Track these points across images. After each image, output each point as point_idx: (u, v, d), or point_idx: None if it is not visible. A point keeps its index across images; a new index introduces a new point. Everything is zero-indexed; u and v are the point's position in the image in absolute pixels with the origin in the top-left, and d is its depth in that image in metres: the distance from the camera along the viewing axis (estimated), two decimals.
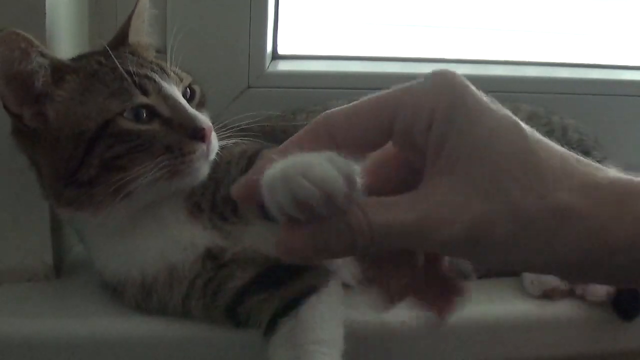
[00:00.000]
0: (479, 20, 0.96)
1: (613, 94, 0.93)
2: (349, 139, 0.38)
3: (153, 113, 0.58)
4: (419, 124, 0.36)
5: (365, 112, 0.38)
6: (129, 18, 0.66)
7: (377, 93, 0.38)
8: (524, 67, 0.96)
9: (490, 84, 0.96)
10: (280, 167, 0.35)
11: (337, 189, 0.33)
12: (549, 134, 0.82)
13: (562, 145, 0.83)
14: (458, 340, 0.66)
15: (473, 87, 0.37)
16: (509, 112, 0.37)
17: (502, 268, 0.36)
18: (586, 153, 0.79)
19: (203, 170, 0.59)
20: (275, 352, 0.57)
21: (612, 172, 0.37)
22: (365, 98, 0.38)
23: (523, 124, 0.37)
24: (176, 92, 0.60)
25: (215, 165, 0.62)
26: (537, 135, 0.37)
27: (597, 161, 0.84)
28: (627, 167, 0.84)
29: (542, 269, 0.37)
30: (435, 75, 0.37)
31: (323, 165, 0.34)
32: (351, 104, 0.39)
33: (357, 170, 0.34)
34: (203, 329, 0.62)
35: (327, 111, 0.39)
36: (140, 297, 0.62)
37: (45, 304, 0.65)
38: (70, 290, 0.68)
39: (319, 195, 0.33)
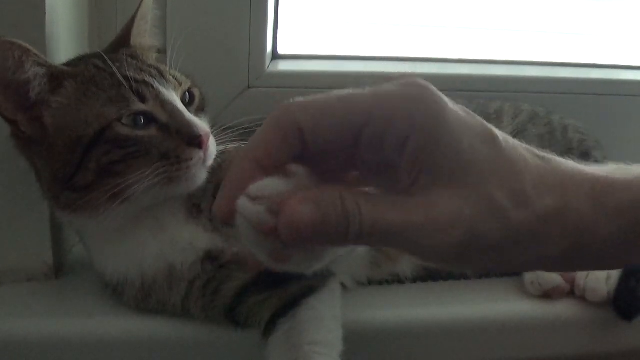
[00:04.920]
0: (479, 20, 0.96)
1: (613, 94, 0.93)
2: (317, 140, 0.37)
3: (151, 119, 0.58)
4: (393, 134, 0.36)
5: (333, 115, 0.37)
6: (132, 19, 0.66)
7: (346, 92, 0.37)
8: (524, 67, 0.96)
9: (490, 84, 0.96)
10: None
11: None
12: (549, 134, 0.83)
13: (562, 146, 0.84)
14: (458, 340, 0.66)
15: (445, 98, 0.37)
16: (482, 120, 0.38)
17: (486, 271, 0.38)
18: (586, 153, 0.80)
19: (200, 176, 0.59)
20: (273, 353, 0.57)
21: (582, 167, 0.39)
22: (333, 96, 0.37)
23: (495, 131, 0.38)
24: (174, 98, 0.60)
25: (216, 168, 0.62)
26: (510, 140, 0.38)
27: (597, 161, 0.84)
28: None
29: (526, 267, 0.38)
30: (409, 85, 0.37)
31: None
32: (318, 101, 0.37)
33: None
34: (202, 329, 0.62)
35: (293, 104, 0.37)
36: (140, 298, 0.62)
37: (45, 304, 0.65)
38: (70, 290, 0.68)
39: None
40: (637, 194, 0.37)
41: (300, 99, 0.38)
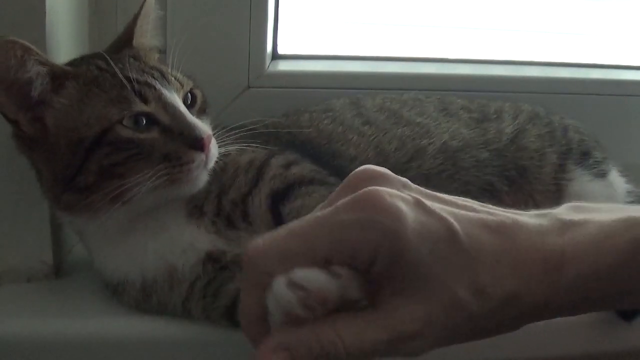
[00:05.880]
0: (479, 20, 0.96)
1: (613, 94, 0.93)
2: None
3: (152, 121, 0.58)
4: (359, 262, 0.37)
5: (297, 260, 0.37)
6: (135, 19, 0.66)
7: (304, 228, 0.38)
8: (524, 67, 0.96)
9: (490, 84, 0.96)
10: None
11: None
12: (549, 134, 0.83)
13: (562, 146, 0.83)
14: None
15: (402, 205, 0.37)
16: (441, 216, 0.38)
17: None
18: (587, 153, 0.80)
19: (201, 178, 0.59)
20: None
21: (537, 236, 0.40)
22: (292, 237, 0.38)
23: (455, 226, 0.38)
24: (176, 100, 0.60)
25: (220, 171, 0.62)
26: (469, 226, 0.39)
27: (597, 161, 0.84)
28: (627, 167, 0.85)
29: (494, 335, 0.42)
30: (363, 207, 0.37)
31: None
32: (279, 245, 0.38)
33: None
34: (203, 329, 0.62)
35: (256, 256, 0.38)
36: (140, 298, 0.62)
37: (45, 304, 0.65)
38: (70, 290, 0.68)
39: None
40: (586, 267, 0.39)
41: (259, 243, 0.38)
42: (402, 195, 0.38)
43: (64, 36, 0.69)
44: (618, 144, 0.86)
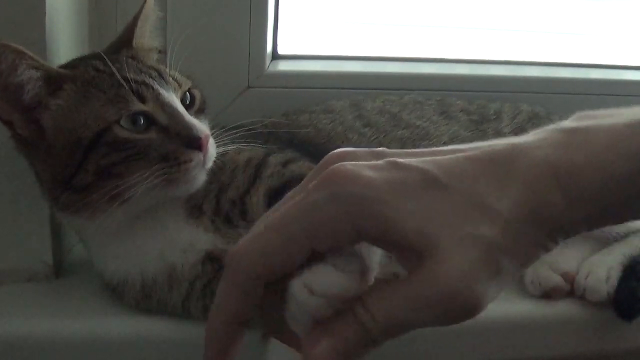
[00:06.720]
0: (479, 20, 0.96)
1: (613, 94, 0.93)
2: (278, 274, 0.37)
3: (150, 121, 0.58)
4: (343, 240, 0.36)
5: (280, 254, 0.37)
6: (135, 19, 0.66)
7: (280, 221, 0.37)
8: (524, 67, 0.96)
9: (490, 84, 0.96)
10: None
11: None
12: None
13: None
14: (458, 340, 0.66)
15: (367, 170, 0.36)
16: (415, 166, 0.37)
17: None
18: None
19: (199, 178, 0.59)
20: (274, 353, 0.57)
21: (535, 153, 0.37)
22: (270, 232, 0.37)
23: (432, 170, 0.36)
24: (174, 99, 0.60)
25: (218, 170, 0.62)
26: (450, 170, 0.37)
27: None
28: None
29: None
30: (330, 181, 0.36)
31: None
32: (259, 243, 0.37)
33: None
34: (202, 330, 0.61)
35: (238, 257, 0.37)
36: (140, 298, 0.62)
37: (45, 304, 0.65)
38: (70, 290, 0.68)
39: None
40: (599, 175, 0.36)
41: (239, 243, 0.38)
42: (367, 164, 0.37)
43: (64, 36, 0.69)
44: None
